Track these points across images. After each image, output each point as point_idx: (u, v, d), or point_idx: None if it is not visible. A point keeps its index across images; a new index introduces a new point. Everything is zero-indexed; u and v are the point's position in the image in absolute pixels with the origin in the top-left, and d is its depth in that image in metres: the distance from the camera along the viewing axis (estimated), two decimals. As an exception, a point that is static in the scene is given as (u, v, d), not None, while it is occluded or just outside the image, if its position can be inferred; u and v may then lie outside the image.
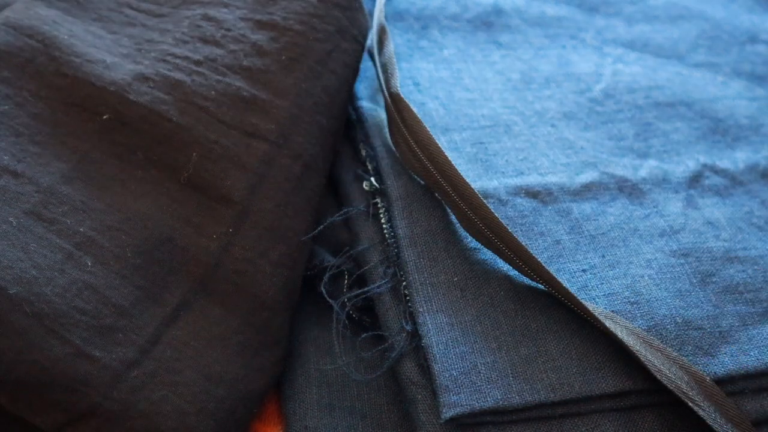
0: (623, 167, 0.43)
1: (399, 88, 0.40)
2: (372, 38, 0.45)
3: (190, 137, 0.37)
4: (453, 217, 0.38)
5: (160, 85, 0.38)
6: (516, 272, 0.37)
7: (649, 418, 0.34)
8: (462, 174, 0.37)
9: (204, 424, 0.33)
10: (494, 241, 0.36)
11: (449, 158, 0.37)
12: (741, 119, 0.47)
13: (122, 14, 0.41)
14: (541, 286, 0.36)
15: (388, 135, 0.41)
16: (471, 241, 0.38)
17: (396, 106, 0.40)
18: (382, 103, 0.44)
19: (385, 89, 0.41)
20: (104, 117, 0.37)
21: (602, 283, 0.37)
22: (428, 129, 0.38)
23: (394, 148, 0.40)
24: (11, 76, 0.37)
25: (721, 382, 0.34)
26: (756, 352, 0.35)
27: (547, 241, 0.38)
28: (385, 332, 0.37)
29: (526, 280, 0.36)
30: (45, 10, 0.39)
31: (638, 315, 0.36)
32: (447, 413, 0.32)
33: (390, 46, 0.43)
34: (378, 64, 0.43)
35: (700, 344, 0.35)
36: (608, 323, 0.34)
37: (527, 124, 0.44)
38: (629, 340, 0.34)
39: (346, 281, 0.39)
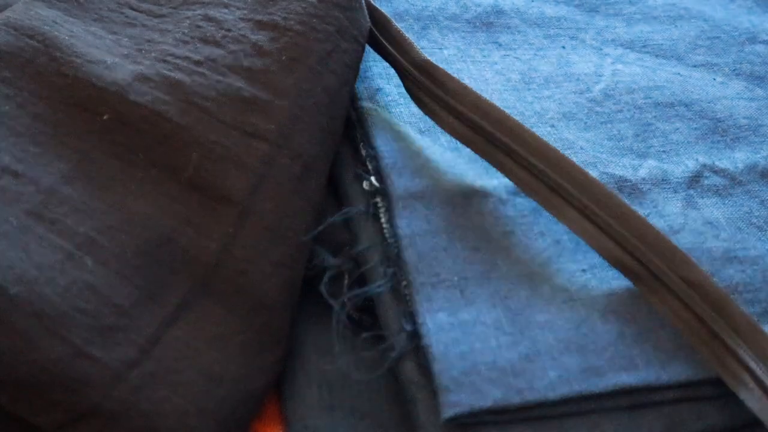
0: (623, 167, 0.43)
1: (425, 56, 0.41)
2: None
3: (191, 137, 0.37)
4: (453, 216, 0.38)
5: (161, 85, 0.38)
6: (518, 271, 0.37)
7: (649, 417, 0.34)
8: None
9: (204, 425, 0.33)
10: (571, 192, 0.36)
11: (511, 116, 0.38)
12: (740, 119, 0.47)
13: (123, 15, 0.41)
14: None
15: (389, 132, 0.41)
16: (471, 241, 0.38)
17: (427, 72, 0.41)
18: (387, 92, 0.44)
19: (406, 63, 0.42)
20: (105, 117, 0.37)
21: (602, 283, 0.37)
22: (474, 90, 0.40)
23: (430, 118, 0.41)
24: (12, 77, 0.37)
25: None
26: (756, 351, 0.35)
27: (547, 240, 0.38)
28: (385, 332, 0.37)
29: (530, 275, 0.36)
30: (45, 11, 0.39)
31: (638, 314, 0.36)
32: (447, 413, 0.32)
33: (394, 25, 0.44)
34: (386, 43, 0.43)
35: (701, 342, 0.35)
36: None
37: (527, 125, 0.44)
38: None
39: (346, 281, 0.39)
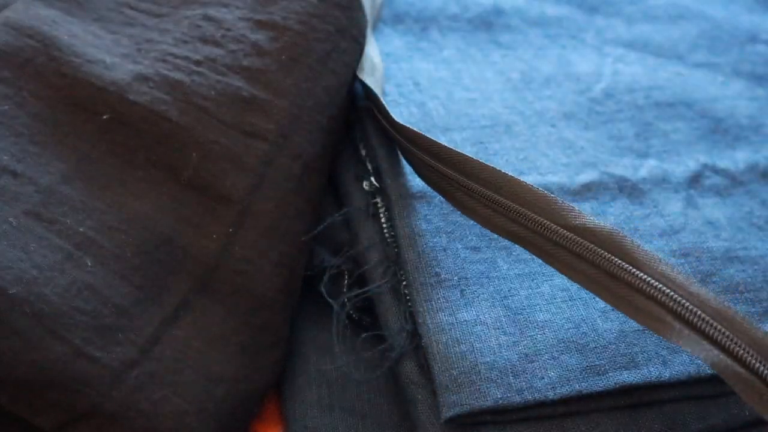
0: (623, 167, 0.43)
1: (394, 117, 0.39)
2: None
3: (190, 137, 0.37)
4: (453, 216, 0.38)
5: (160, 85, 0.38)
6: (518, 271, 0.37)
7: (650, 416, 0.34)
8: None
9: (204, 425, 0.33)
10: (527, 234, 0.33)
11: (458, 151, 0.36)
12: (741, 119, 0.47)
13: (122, 14, 0.41)
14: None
15: (388, 133, 0.41)
16: (471, 241, 0.38)
17: (389, 122, 0.39)
18: (387, 92, 0.44)
19: (388, 125, 0.40)
20: (104, 117, 0.37)
21: (602, 283, 0.37)
22: (415, 130, 0.37)
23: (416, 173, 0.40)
24: (11, 76, 0.37)
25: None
26: (757, 350, 0.35)
27: (547, 240, 0.38)
28: (385, 332, 0.37)
29: (530, 275, 0.36)
30: (45, 10, 0.39)
31: (638, 314, 0.36)
32: (447, 413, 0.32)
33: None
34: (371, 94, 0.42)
35: (702, 341, 0.35)
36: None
37: (527, 124, 0.44)
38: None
39: (346, 281, 0.39)
